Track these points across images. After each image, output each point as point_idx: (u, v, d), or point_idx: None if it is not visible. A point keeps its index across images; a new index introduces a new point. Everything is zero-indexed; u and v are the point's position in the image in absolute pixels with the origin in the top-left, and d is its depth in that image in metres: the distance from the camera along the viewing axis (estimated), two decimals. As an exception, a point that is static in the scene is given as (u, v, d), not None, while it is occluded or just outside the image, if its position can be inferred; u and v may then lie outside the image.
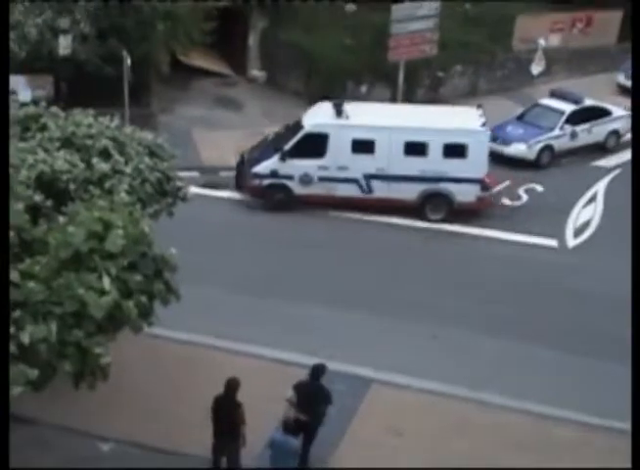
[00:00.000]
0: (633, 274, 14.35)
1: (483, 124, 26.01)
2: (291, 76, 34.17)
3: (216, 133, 30.51)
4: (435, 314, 21.50)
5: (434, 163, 25.66)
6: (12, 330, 11.85)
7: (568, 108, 30.96)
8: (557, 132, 30.54)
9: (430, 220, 26.22)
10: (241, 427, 15.51)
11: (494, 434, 17.71)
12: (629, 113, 31.18)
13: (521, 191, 28.54)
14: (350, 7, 35.25)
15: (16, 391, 11.50)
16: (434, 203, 26.16)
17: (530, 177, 29.40)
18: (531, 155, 30.13)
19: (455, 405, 18.53)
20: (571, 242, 25.85)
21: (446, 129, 25.87)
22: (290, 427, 15.23)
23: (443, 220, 26.18)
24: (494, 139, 29.67)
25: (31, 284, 12.53)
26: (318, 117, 26.57)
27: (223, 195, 27.22)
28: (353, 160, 25.66)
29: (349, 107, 26.41)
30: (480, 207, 26.44)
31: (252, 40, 35.26)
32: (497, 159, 29.41)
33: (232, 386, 15.45)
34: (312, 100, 31.36)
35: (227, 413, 15.45)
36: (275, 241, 24.68)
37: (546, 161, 30.36)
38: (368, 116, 26.42)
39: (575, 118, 30.86)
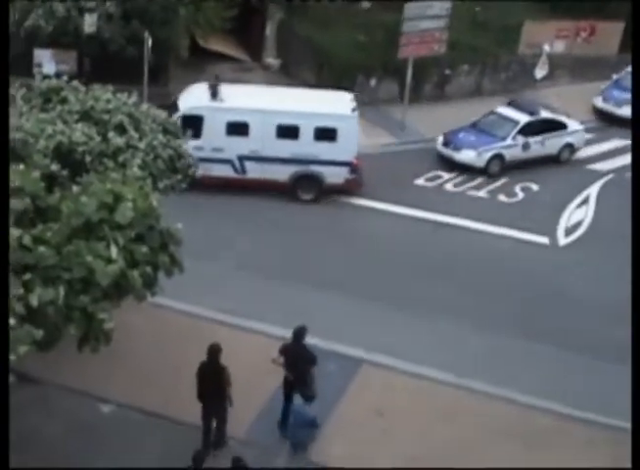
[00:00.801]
0: (633, 275, 14.52)
1: (354, 110, 26.39)
2: (303, 67, 34.48)
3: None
4: (428, 304, 21.94)
5: (305, 145, 26.12)
6: (21, 292, 12.16)
7: (522, 118, 30.45)
8: (509, 142, 30.00)
9: (301, 201, 26.73)
10: (227, 389, 15.97)
11: (479, 420, 18.17)
12: (584, 127, 31.86)
13: (517, 189, 29.04)
14: (365, 4, 35.84)
15: (22, 350, 11.83)
16: (305, 184, 26.66)
17: (527, 177, 29.82)
18: (480, 162, 29.60)
19: (443, 391, 18.99)
20: (562, 240, 26.24)
21: (318, 113, 26.24)
22: (287, 385, 16.08)
23: (314, 200, 26.72)
24: (447, 144, 30.12)
25: (42, 249, 12.82)
26: (193, 99, 26.59)
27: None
28: (228, 141, 25.77)
29: (225, 89, 26.56)
30: (348, 188, 26.95)
31: (269, 30, 35.68)
32: (450, 164, 29.82)
33: (214, 351, 15.88)
34: (323, 89, 32.17)
35: (213, 377, 15.88)
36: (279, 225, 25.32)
37: (495, 169, 29.80)
38: (242, 99, 26.56)
39: (529, 129, 30.33)
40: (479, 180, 29.40)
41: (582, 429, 18.41)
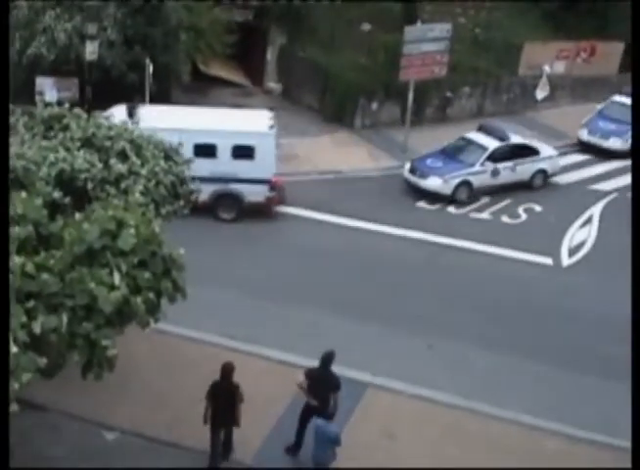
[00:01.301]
0: (633, 281, 14.73)
1: (271, 127, 26.27)
2: (305, 90, 34.74)
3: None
4: (432, 326, 21.88)
5: (223, 164, 25.96)
6: (24, 319, 12.06)
7: (492, 144, 29.57)
8: (477, 168, 29.14)
9: (222, 220, 26.52)
10: (238, 407, 15.90)
11: (484, 442, 18.04)
12: (558, 153, 31.28)
13: (520, 210, 29.02)
14: (365, 26, 36.11)
15: (25, 377, 11.74)
16: (226, 203, 26.52)
17: (530, 197, 29.82)
18: (447, 190, 28.78)
19: (448, 413, 18.85)
20: (566, 261, 26.15)
21: (235, 132, 26.06)
22: (307, 410, 16.05)
23: (235, 220, 26.48)
24: (413, 171, 29.44)
25: (45, 276, 12.75)
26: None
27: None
28: None
29: (144, 110, 26.06)
30: (269, 206, 26.84)
31: (271, 54, 35.95)
32: (419, 191, 29.14)
33: (228, 369, 15.89)
34: (325, 113, 32.36)
35: (226, 396, 15.81)
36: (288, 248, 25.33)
37: (463, 197, 28.99)
38: (159, 118, 25.86)
39: (499, 155, 29.47)
40: (481, 202, 29.38)
41: (588, 450, 18.27)
